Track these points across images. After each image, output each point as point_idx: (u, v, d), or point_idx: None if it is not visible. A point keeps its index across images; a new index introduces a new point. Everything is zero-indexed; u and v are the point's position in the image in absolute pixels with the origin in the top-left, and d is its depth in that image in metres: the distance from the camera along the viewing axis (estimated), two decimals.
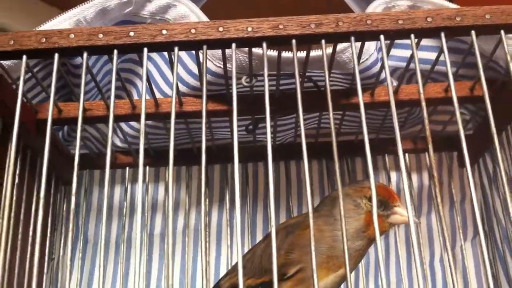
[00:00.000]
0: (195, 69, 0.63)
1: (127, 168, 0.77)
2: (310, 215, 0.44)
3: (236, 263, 0.44)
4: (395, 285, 0.78)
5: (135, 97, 0.69)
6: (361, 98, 0.47)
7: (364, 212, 0.59)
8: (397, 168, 0.78)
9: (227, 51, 0.54)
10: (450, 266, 0.43)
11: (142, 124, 0.48)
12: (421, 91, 0.48)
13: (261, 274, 0.58)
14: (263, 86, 0.48)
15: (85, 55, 0.50)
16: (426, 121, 0.47)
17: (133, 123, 0.71)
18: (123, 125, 0.71)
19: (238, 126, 0.71)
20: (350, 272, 0.65)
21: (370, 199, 0.59)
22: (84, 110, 0.62)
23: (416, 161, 0.81)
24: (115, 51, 0.50)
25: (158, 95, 0.65)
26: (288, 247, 0.58)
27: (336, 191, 0.59)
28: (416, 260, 0.42)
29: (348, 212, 0.59)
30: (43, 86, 0.60)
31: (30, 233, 0.63)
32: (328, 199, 0.63)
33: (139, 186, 0.45)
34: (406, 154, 0.77)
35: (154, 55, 0.68)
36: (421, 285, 0.42)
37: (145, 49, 0.50)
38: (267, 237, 0.63)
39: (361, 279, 0.75)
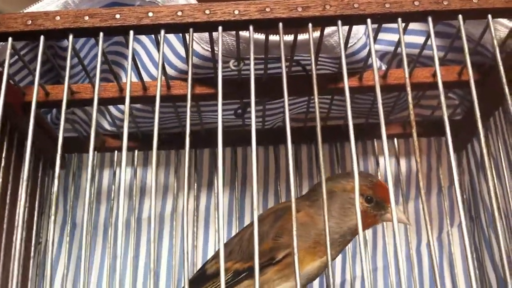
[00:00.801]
0: (183, 52, 0.63)
1: (116, 152, 0.77)
2: (293, 200, 0.44)
3: (223, 247, 0.44)
4: (381, 270, 0.78)
5: (124, 80, 0.69)
6: (346, 83, 0.47)
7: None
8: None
9: (214, 34, 0.53)
10: (433, 254, 0.43)
11: (126, 107, 0.48)
12: (407, 75, 0.48)
13: (248, 258, 0.58)
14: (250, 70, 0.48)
15: (70, 37, 0.50)
16: (411, 106, 0.47)
17: (121, 106, 0.71)
18: (111, 108, 0.71)
19: (227, 110, 0.71)
20: (333, 259, 0.65)
21: (367, 199, 0.59)
22: (72, 92, 0.62)
23: (405, 146, 0.81)
24: (101, 34, 0.50)
25: (146, 77, 0.65)
26: (277, 231, 0.58)
27: (332, 184, 0.59)
28: (398, 251, 0.42)
29: (344, 210, 0.59)
30: (29, 68, 0.59)
31: (17, 216, 0.63)
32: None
33: (123, 169, 0.45)
34: (395, 139, 0.78)
35: (142, 37, 0.68)
36: (404, 270, 0.42)
37: (131, 32, 0.50)
38: None
39: (348, 263, 0.75)
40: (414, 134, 0.46)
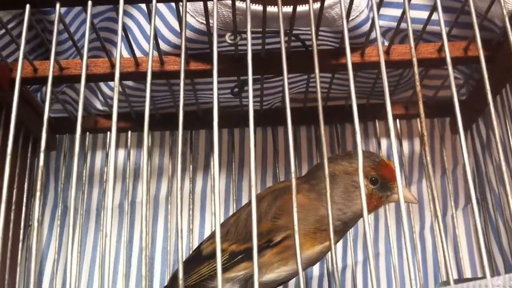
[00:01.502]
0: (176, 26, 0.61)
1: (109, 133, 0.74)
2: (293, 186, 0.41)
3: (220, 227, 0.42)
4: (384, 256, 0.76)
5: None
6: (349, 57, 0.45)
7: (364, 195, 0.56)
8: (388, 135, 0.76)
9: (209, 4, 0.51)
10: (441, 237, 0.41)
11: (116, 80, 0.45)
12: (412, 45, 0.45)
13: (245, 239, 0.56)
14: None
15: (57, 6, 0.47)
16: (417, 77, 0.44)
17: (113, 84, 0.68)
18: (103, 87, 0.68)
19: (224, 88, 0.69)
20: (335, 243, 0.63)
21: (372, 181, 0.55)
22: (61, 68, 0.60)
23: (408, 127, 0.79)
24: (89, 2, 0.47)
25: (139, 53, 0.63)
26: (276, 211, 0.55)
27: (333, 166, 0.56)
28: (406, 234, 0.40)
29: (348, 194, 0.55)
30: (17, 43, 0.57)
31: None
32: (324, 173, 0.59)
33: (111, 152, 0.43)
34: (397, 120, 0.75)
35: (135, 12, 0.65)
36: (409, 256, 0.39)
37: (121, 0, 0.47)
38: None
39: (349, 249, 0.73)
40: (421, 106, 0.43)
